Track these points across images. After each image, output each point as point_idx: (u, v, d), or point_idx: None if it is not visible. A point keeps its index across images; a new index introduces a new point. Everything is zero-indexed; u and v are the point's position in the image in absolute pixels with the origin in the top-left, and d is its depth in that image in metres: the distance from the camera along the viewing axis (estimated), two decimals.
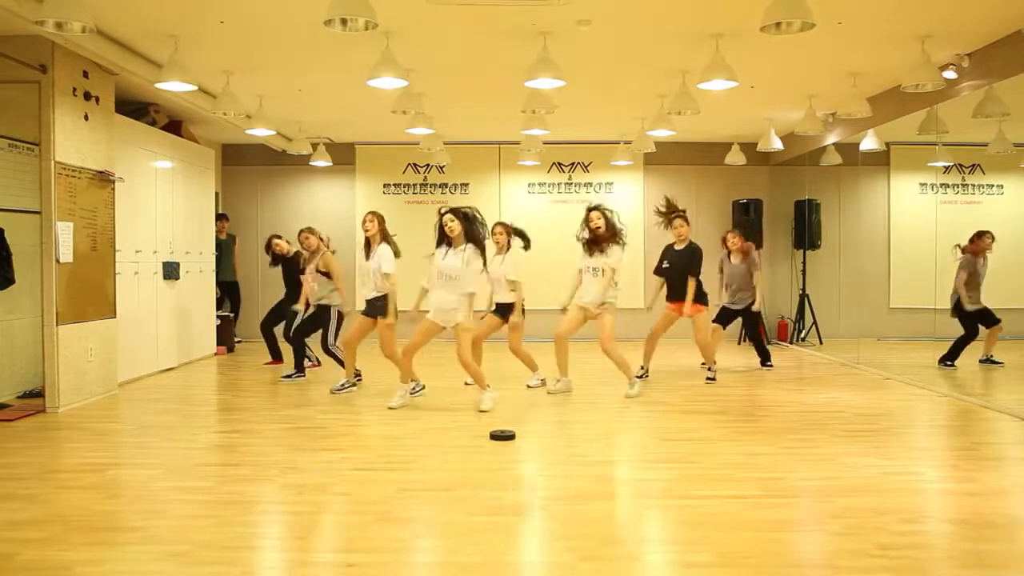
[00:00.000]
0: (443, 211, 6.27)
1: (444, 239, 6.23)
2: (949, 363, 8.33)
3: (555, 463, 4.89)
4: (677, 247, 7.56)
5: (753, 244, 8.58)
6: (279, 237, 8.48)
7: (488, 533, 3.53)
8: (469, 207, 6.33)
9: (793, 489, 4.28)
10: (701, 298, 7.46)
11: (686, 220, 7.55)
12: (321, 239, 7.77)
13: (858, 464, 4.66)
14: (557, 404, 6.59)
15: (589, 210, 6.81)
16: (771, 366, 8.61)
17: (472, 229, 6.17)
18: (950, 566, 3.20)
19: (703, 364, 8.02)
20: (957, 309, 8.35)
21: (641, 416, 6.31)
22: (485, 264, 6.36)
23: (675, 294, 7.50)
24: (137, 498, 4.11)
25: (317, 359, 8.31)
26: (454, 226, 6.14)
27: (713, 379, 7.65)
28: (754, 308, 8.23)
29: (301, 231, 7.83)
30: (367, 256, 6.73)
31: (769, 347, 10.41)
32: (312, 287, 7.62)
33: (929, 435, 5.87)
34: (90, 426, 5.77)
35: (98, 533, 3.54)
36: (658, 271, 7.71)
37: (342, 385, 7.09)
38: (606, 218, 6.73)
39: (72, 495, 4.10)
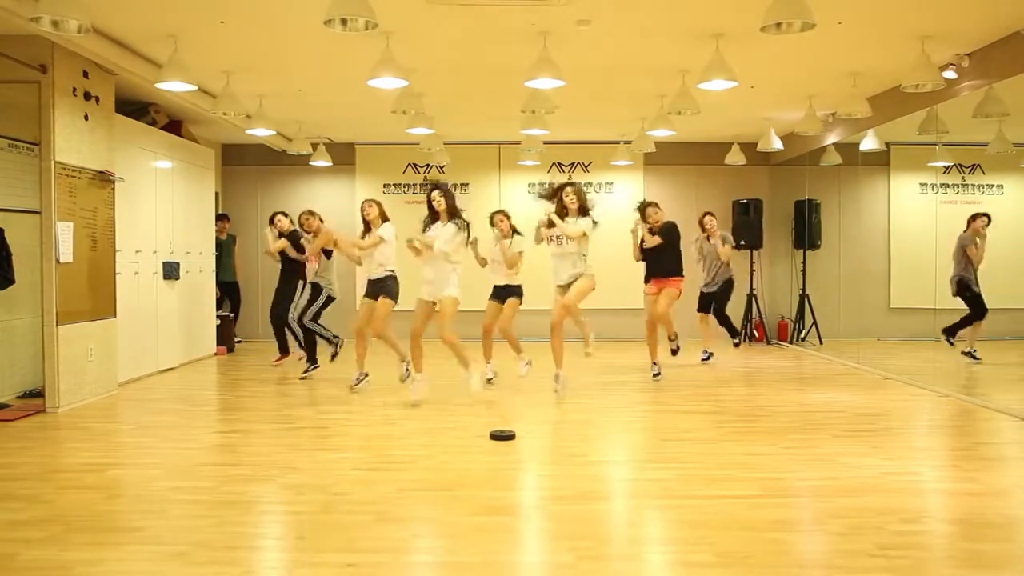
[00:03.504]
0: (429, 187, 6.51)
1: (433, 215, 6.43)
2: (950, 339, 8.45)
3: (555, 463, 4.89)
4: (654, 231, 7.69)
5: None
6: (284, 214, 8.50)
7: (488, 533, 3.54)
8: (444, 183, 6.57)
9: (793, 489, 4.27)
10: (678, 271, 7.70)
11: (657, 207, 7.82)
12: (321, 220, 8.03)
13: (858, 464, 4.66)
14: (557, 404, 6.59)
15: (564, 186, 6.75)
16: (736, 344, 9.20)
17: (453, 204, 6.41)
18: (950, 566, 3.20)
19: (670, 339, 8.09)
20: (960, 288, 8.37)
21: (641, 416, 6.31)
22: (469, 237, 6.52)
23: (655, 271, 7.73)
24: (137, 498, 4.11)
25: (336, 337, 8.25)
26: (441, 200, 6.37)
27: (659, 375, 7.66)
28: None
29: (302, 213, 8.12)
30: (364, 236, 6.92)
31: (769, 346, 10.43)
32: (314, 267, 7.79)
33: (929, 435, 5.87)
34: (90, 426, 5.77)
35: (98, 533, 3.54)
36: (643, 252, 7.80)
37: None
38: (580, 197, 6.66)
39: (72, 495, 4.09)
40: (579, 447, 5.26)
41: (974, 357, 8.43)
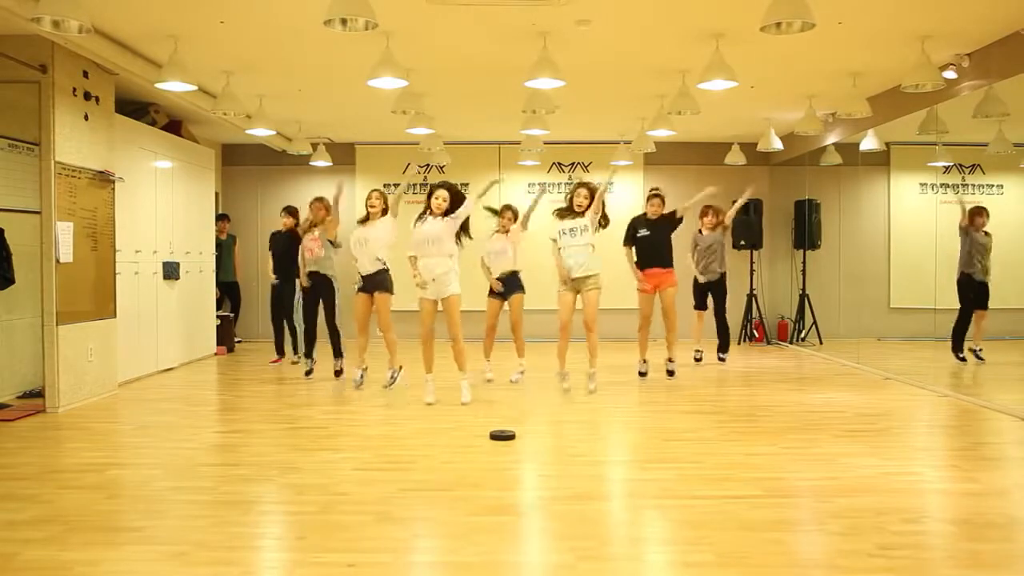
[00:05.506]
0: (435, 185, 6.53)
1: (428, 211, 6.41)
2: (961, 356, 8.38)
3: (555, 463, 4.89)
4: (651, 218, 7.60)
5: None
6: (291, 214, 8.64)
7: (488, 533, 3.54)
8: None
9: (793, 489, 4.27)
10: (671, 261, 7.59)
11: (662, 200, 7.64)
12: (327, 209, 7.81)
13: (858, 464, 4.66)
14: (556, 404, 6.59)
15: (578, 185, 6.85)
16: (723, 360, 8.72)
17: (458, 197, 6.44)
18: (950, 566, 3.20)
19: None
20: (961, 282, 8.38)
21: (641, 416, 6.31)
22: (467, 231, 6.55)
23: (649, 261, 7.57)
24: (137, 498, 4.11)
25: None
26: (443, 203, 6.36)
27: (673, 373, 7.70)
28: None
29: (313, 201, 7.92)
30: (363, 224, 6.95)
31: (768, 346, 10.41)
32: (319, 254, 7.58)
33: (929, 435, 5.87)
34: (90, 426, 5.77)
35: (98, 533, 3.54)
36: (630, 241, 7.68)
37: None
38: (592, 196, 6.71)
39: (72, 495, 4.09)
40: (579, 447, 5.26)
41: (978, 356, 8.45)
